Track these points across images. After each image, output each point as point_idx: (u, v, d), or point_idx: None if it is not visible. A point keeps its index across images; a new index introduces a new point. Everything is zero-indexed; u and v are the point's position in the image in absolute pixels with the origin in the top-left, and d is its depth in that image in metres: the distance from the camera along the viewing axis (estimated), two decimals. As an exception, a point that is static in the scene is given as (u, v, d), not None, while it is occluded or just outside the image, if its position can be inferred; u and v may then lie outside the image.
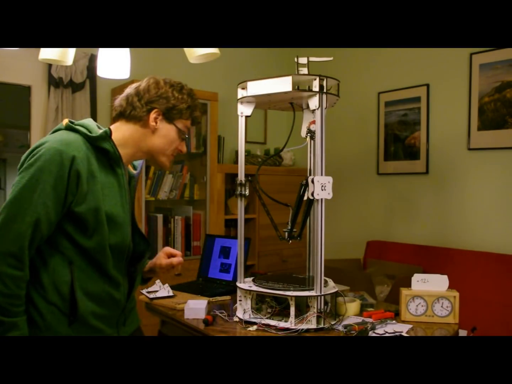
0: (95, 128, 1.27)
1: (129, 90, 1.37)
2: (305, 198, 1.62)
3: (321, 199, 1.58)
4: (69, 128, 1.24)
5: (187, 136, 1.40)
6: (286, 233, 1.69)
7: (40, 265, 1.20)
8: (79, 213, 1.18)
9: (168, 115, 1.34)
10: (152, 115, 1.33)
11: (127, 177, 1.38)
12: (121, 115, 1.35)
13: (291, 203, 1.69)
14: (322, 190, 1.57)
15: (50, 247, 1.20)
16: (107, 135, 1.25)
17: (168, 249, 1.60)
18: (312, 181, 1.56)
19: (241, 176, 1.75)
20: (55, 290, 1.20)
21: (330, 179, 1.59)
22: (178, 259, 1.57)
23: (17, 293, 1.13)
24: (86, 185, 1.18)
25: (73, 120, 1.28)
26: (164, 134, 1.35)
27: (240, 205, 1.75)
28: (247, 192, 1.74)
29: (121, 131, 1.33)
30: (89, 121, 1.29)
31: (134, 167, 1.47)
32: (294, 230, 1.69)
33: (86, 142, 1.22)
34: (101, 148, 1.24)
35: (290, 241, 1.69)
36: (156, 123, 1.33)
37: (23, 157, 1.20)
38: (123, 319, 1.37)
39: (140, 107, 1.32)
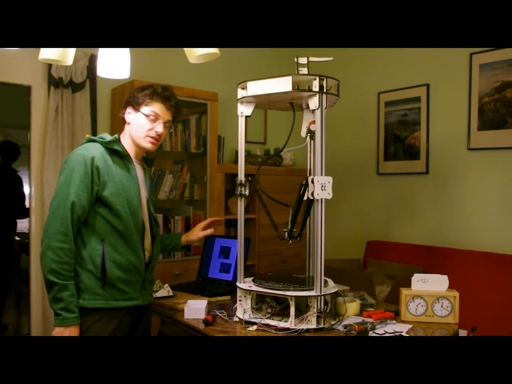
0: (109, 137, 1.66)
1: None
2: (305, 198, 1.62)
3: (321, 199, 1.58)
4: (89, 140, 1.65)
5: (154, 116, 1.68)
6: (286, 233, 1.69)
7: (81, 244, 1.58)
8: (105, 197, 1.57)
9: (134, 107, 1.70)
10: (127, 111, 1.72)
11: (143, 171, 1.76)
12: (123, 123, 1.75)
13: (291, 203, 1.69)
14: (322, 190, 1.57)
15: (88, 229, 1.58)
16: (116, 140, 1.66)
17: (201, 224, 2.04)
18: (312, 181, 1.56)
19: (241, 176, 1.75)
20: (91, 261, 1.57)
21: (330, 179, 1.59)
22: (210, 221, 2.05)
23: (67, 260, 1.51)
24: (106, 176, 1.57)
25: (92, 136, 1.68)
26: (135, 122, 1.70)
27: (240, 205, 1.75)
28: (247, 192, 1.74)
29: (123, 135, 1.74)
30: (104, 134, 1.68)
31: (147, 164, 1.83)
32: (294, 230, 1.69)
33: (102, 147, 1.62)
34: (113, 149, 1.63)
35: (290, 241, 1.69)
36: (129, 116, 1.71)
37: (61, 167, 1.60)
38: (144, 285, 1.71)
39: (122, 110, 1.74)
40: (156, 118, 1.68)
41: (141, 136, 1.68)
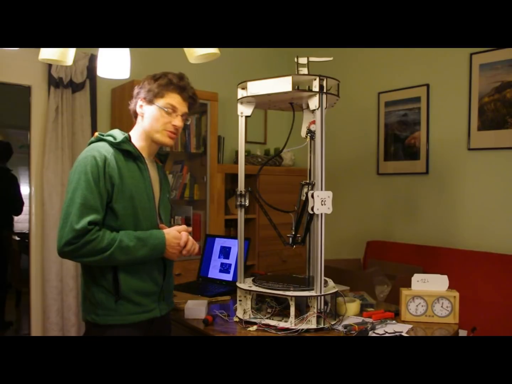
0: (119, 135, 1.53)
1: None
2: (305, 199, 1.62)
3: (321, 214, 1.57)
4: (99, 139, 1.53)
5: (171, 109, 1.56)
6: (290, 238, 1.70)
7: None
8: (116, 209, 1.45)
9: (148, 99, 1.56)
10: (138, 104, 1.58)
11: (156, 169, 1.64)
12: (133, 116, 1.63)
13: (291, 203, 1.69)
14: (322, 205, 1.56)
15: None
16: (127, 139, 1.52)
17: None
18: (312, 196, 1.55)
19: (241, 186, 1.74)
20: (101, 274, 1.45)
21: (330, 193, 1.58)
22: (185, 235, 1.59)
23: (93, 237, 1.38)
24: (119, 184, 1.45)
25: (102, 133, 1.56)
26: (148, 115, 1.56)
27: (240, 215, 1.75)
28: (247, 203, 1.73)
29: (134, 130, 1.61)
30: (115, 131, 1.55)
31: (161, 160, 1.72)
32: (298, 235, 1.70)
33: (112, 146, 1.50)
34: (124, 149, 1.51)
35: (294, 246, 1.70)
36: (142, 109, 1.58)
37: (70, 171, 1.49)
38: (162, 295, 1.58)
39: (133, 104, 1.61)
40: (173, 110, 1.56)
41: (158, 130, 1.55)
